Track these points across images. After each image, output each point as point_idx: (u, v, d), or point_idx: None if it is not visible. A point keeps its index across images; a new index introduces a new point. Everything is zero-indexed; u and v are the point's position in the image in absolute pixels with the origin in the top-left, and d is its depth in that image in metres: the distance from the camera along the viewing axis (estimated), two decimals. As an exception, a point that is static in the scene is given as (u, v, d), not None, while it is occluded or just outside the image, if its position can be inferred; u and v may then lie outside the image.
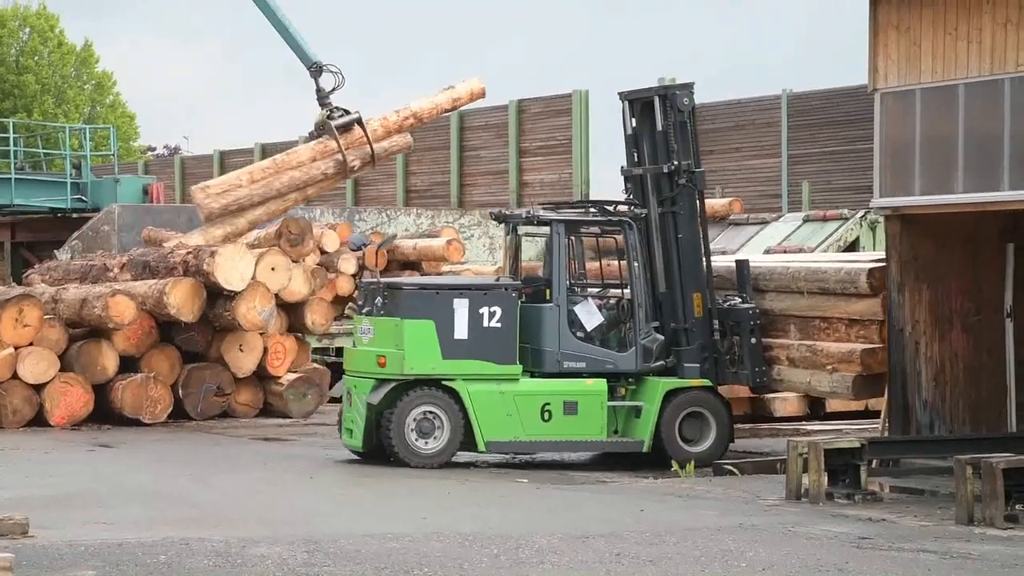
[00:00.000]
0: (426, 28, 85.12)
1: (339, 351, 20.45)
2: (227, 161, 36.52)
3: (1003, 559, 9.03)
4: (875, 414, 14.49)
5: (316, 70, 20.02)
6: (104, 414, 16.50)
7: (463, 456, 13.50)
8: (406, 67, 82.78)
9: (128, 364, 16.77)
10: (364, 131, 19.03)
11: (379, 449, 13.23)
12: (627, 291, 13.63)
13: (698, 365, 13.77)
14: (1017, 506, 10.33)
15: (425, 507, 11.09)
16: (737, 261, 14.47)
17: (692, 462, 13.22)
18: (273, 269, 16.96)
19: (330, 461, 13.85)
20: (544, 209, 13.98)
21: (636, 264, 13.55)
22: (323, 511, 10.90)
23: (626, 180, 14.33)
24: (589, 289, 14.06)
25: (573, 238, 13.79)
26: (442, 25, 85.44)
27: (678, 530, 9.87)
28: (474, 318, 13.07)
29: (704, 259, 13.96)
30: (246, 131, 75.20)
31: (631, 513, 10.78)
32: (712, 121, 25.31)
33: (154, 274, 17.25)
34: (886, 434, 12.90)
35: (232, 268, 16.59)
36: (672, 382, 13.65)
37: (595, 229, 14.00)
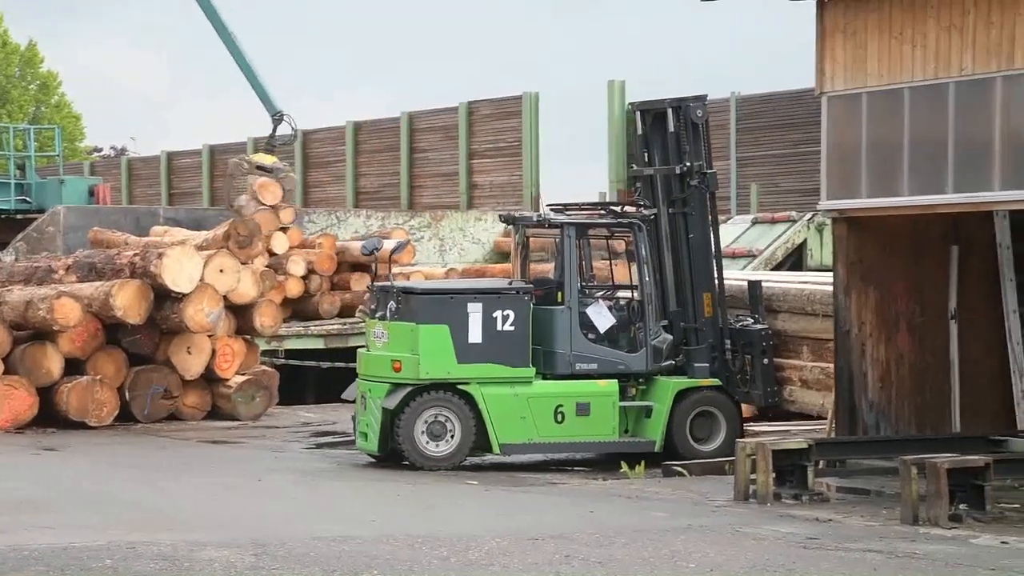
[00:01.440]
0: (375, 29, 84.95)
1: (288, 353, 20.40)
2: (174, 162, 36.26)
3: (947, 558, 9.13)
4: (822, 415, 14.58)
5: (278, 119, 21.41)
6: (49, 417, 16.32)
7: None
8: (358, 70, 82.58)
9: (73, 366, 16.59)
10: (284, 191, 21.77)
11: (395, 452, 13.27)
12: (636, 292, 13.75)
13: (707, 365, 13.92)
14: (961, 506, 10.43)
15: (375, 509, 11.07)
16: (749, 281, 14.67)
17: (642, 463, 13.30)
18: (221, 271, 16.84)
19: (279, 464, 13.78)
20: (553, 211, 14.03)
21: (646, 265, 13.67)
22: (272, 514, 10.84)
23: (635, 181, 14.48)
24: (597, 291, 14.14)
25: (582, 240, 13.87)
26: (393, 26, 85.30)
27: (627, 531, 9.90)
28: (488, 322, 13.16)
29: (715, 259, 14.10)
30: (194, 132, 74.69)
31: (581, 515, 10.80)
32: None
33: (100, 276, 17.08)
34: (833, 435, 13.00)
35: (180, 270, 16.47)
36: (683, 382, 13.80)
37: (604, 231, 14.13)
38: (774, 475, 11.36)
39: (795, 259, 21.73)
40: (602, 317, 13.65)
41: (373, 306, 13.74)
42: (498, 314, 13.19)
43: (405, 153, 29.92)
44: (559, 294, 13.57)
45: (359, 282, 21.53)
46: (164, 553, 8.76)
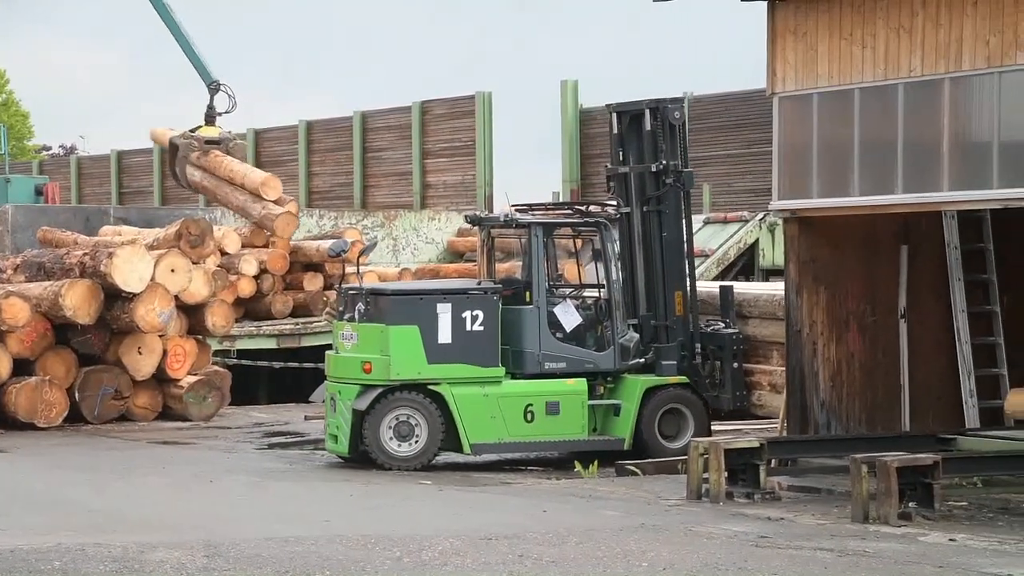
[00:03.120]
0: (328, 27, 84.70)
1: (240, 353, 20.28)
2: (124, 161, 36.00)
3: (896, 556, 9.21)
4: (773, 414, 14.70)
5: (214, 88, 21.28)
6: (-3, 418, 16.16)
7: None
8: (311, 68, 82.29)
9: (22, 367, 16.43)
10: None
11: (366, 454, 13.24)
12: (604, 291, 13.78)
13: (675, 362, 13.98)
14: (911, 504, 10.53)
15: (327, 510, 11.04)
16: (721, 287, 14.79)
17: (595, 463, 13.34)
18: (173, 270, 16.74)
19: (231, 464, 13.71)
20: (519, 211, 14.07)
21: (613, 264, 13.69)
22: (224, 515, 10.79)
23: (609, 179, 14.54)
24: (566, 290, 14.19)
25: (549, 239, 13.89)
26: (346, 25, 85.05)
27: (580, 531, 9.92)
28: (457, 322, 13.19)
29: (687, 258, 14.18)
30: (144, 131, 74.17)
31: (534, 514, 10.82)
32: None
33: (49, 275, 16.93)
34: (784, 434, 13.08)
35: (130, 269, 16.35)
36: (651, 380, 13.84)
37: (571, 230, 14.18)
38: (726, 474, 11.41)
39: (747, 259, 21.85)
40: (570, 316, 13.71)
41: (341, 308, 13.72)
42: (467, 314, 13.23)
43: (358, 153, 29.86)
44: (527, 294, 13.62)
45: (312, 282, 21.45)
46: (114, 555, 8.70)
